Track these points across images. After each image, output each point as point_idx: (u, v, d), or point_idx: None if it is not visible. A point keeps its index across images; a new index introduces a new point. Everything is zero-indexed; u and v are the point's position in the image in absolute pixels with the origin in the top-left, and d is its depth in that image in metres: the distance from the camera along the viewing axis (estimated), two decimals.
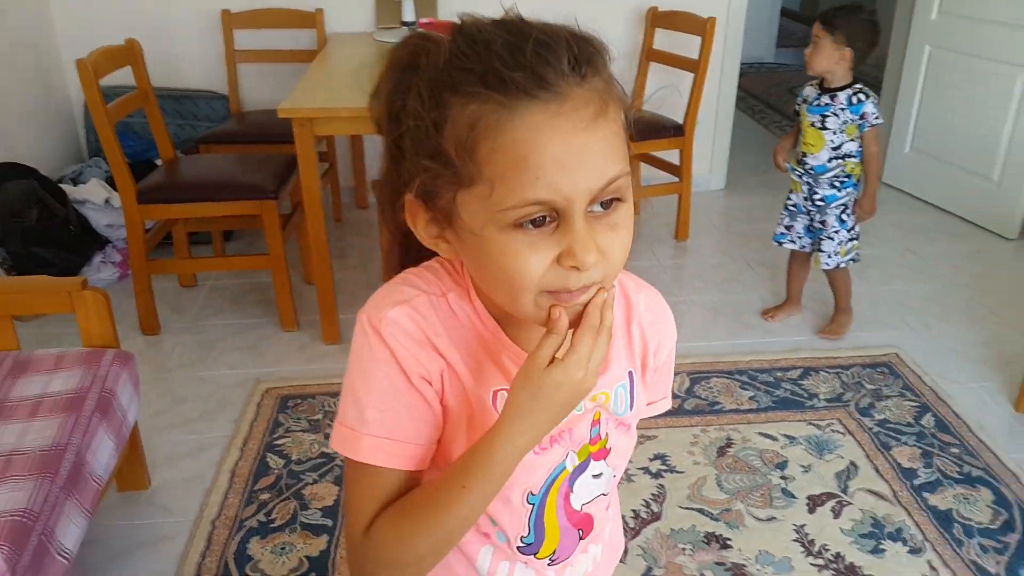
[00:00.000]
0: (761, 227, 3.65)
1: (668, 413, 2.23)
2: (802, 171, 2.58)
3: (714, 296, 3.06)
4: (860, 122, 2.45)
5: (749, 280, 3.18)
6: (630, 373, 0.80)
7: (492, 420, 0.66)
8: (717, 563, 1.80)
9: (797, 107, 2.61)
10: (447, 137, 0.60)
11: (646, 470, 2.08)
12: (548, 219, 0.60)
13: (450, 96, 0.60)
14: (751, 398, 2.40)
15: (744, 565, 1.79)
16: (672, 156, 3.44)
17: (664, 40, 3.52)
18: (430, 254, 0.73)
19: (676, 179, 3.42)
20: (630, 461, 1.00)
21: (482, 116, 0.58)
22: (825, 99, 2.48)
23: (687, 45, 3.37)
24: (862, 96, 2.44)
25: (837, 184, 2.54)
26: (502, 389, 0.72)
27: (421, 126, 0.62)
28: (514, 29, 0.60)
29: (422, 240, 0.69)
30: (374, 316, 0.69)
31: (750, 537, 1.88)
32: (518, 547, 0.78)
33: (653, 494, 2.00)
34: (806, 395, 2.43)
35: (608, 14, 3.63)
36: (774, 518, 1.94)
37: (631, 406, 0.81)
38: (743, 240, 3.56)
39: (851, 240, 2.62)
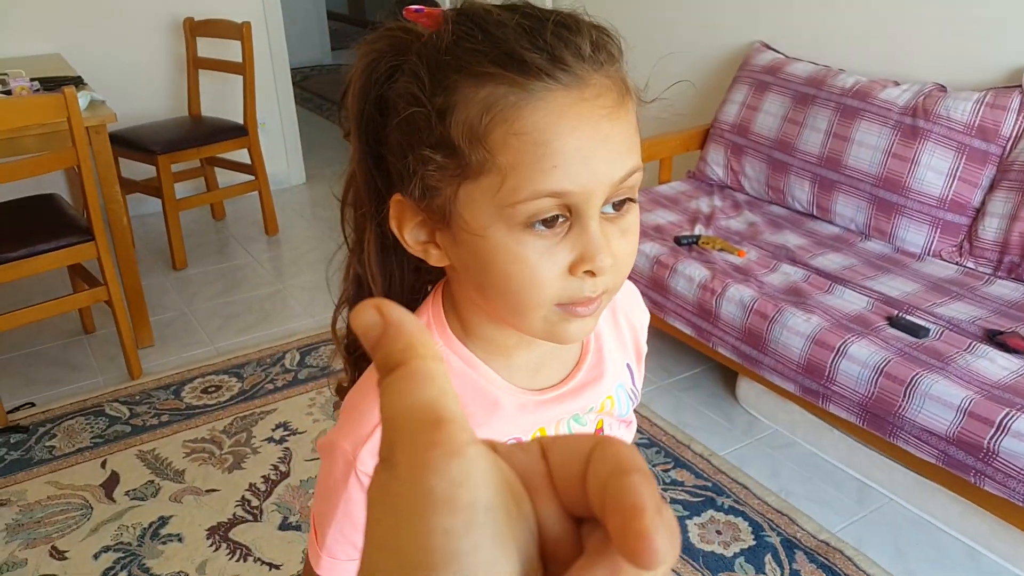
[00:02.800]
0: None
1: (285, 385, 2.45)
2: None
3: (310, 278, 3.26)
4: None
5: (340, 257, 3.39)
6: (628, 366, 0.76)
7: None
8: None
9: None
10: (454, 123, 0.54)
11: (270, 439, 2.22)
12: (561, 219, 0.55)
13: (458, 79, 0.54)
14: None
15: None
16: (244, 156, 3.55)
17: (208, 48, 3.60)
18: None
19: (252, 177, 3.54)
20: None
21: (498, 99, 0.53)
22: None
23: (231, 50, 3.49)
24: None
25: None
26: (514, 437, 0.65)
27: (421, 113, 0.56)
28: (528, 12, 0.55)
29: (407, 247, 0.62)
30: (350, 452, 0.62)
31: None
32: None
33: (280, 457, 2.15)
34: None
35: (144, 26, 3.62)
36: None
37: (634, 398, 0.77)
38: (330, 225, 3.81)
39: None
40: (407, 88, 0.56)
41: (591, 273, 0.56)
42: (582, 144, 0.53)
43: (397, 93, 0.57)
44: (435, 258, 0.62)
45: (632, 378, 0.76)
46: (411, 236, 0.61)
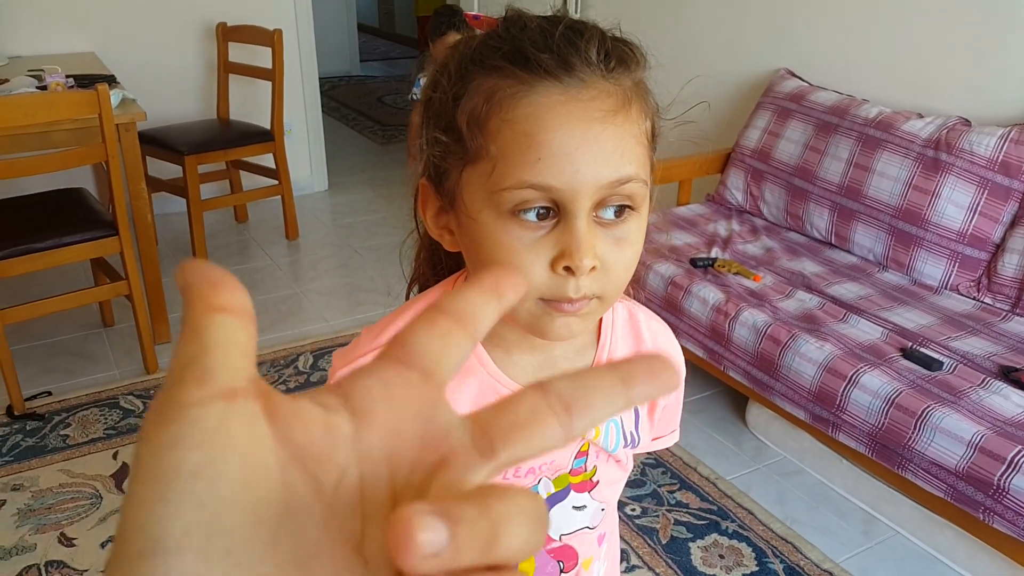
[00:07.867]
0: (364, 218, 3.97)
1: (297, 387, 2.48)
2: None
3: (327, 282, 3.29)
4: None
5: (357, 264, 3.46)
6: (635, 409, 0.75)
7: None
8: None
9: None
10: (462, 109, 0.58)
11: None
12: (550, 213, 0.57)
13: (475, 69, 0.58)
14: None
15: None
16: (269, 161, 3.60)
17: (239, 53, 3.66)
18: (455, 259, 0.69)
19: (276, 182, 3.59)
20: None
21: (499, 89, 0.56)
22: None
23: (262, 56, 3.54)
24: None
25: None
26: None
27: (440, 98, 0.60)
28: (553, 18, 0.59)
29: (429, 229, 0.66)
30: (335, 375, 0.64)
31: None
32: None
33: None
34: None
35: (178, 30, 3.68)
36: None
37: (631, 442, 0.76)
38: (349, 231, 3.84)
39: None
40: (442, 80, 0.61)
41: (570, 271, 0.56)
42: (568, 141, 0.55)
43: (437, 88, 0.61)
44: (448, 243, 0.65)
45: (636, 421, 0.75)
46: (432, 221, 0.65)
